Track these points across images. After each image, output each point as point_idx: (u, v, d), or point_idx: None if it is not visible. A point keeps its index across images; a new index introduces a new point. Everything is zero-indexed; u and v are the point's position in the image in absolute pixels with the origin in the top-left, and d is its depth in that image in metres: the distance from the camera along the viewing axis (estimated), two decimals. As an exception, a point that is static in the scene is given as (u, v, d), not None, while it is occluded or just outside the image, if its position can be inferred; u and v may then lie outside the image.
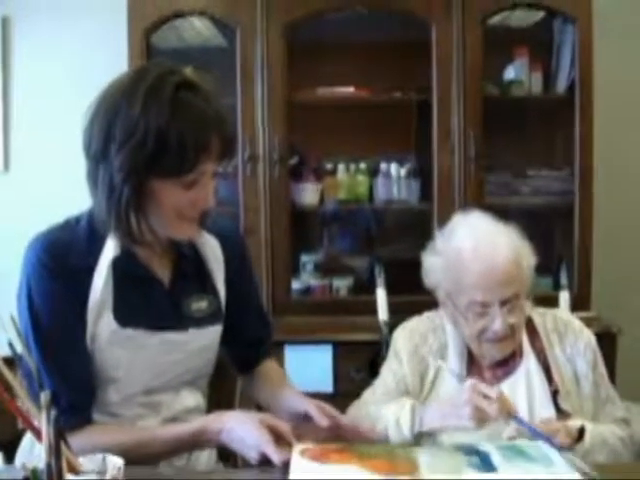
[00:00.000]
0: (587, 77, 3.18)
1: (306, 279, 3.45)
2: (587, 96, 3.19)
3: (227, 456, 1.84)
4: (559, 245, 3.41)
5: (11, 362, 1.35)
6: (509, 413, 1.70)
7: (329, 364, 3.11)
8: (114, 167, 1.53)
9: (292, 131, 3.23)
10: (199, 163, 1.55)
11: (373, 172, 3.40)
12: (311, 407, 1.70)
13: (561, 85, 3.32)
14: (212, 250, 1.81)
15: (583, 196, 3.22)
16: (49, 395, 1.14)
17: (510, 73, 3.35)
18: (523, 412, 1.86)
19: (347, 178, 3.39)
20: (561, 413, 1.87)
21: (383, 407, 1.89)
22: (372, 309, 2.72)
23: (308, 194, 3.37)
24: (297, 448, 1.56)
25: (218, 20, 3.29)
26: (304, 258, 3.50)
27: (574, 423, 1.75)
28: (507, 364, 1.96)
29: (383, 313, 2.67)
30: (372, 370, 2.13)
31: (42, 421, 1.12)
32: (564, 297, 2.76)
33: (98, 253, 1.64)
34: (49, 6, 3.61)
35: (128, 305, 1.66)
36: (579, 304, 3.02)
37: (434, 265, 1.97)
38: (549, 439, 1.62)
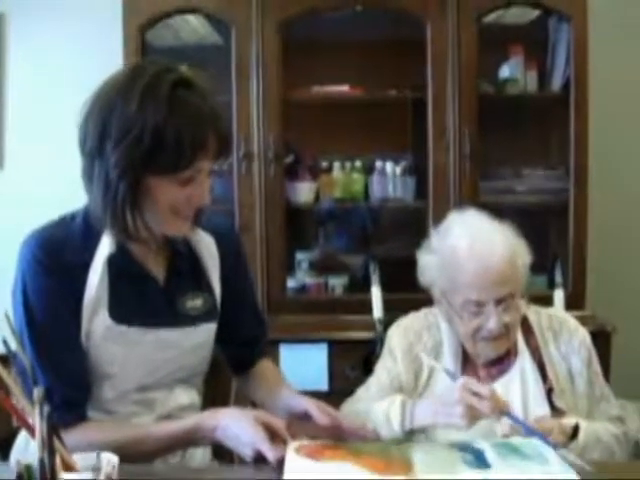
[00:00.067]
0: (582, 75, 3.18)
1: (301, 277, 3.45)
2: (582, 94, 3.19)
3: (222, 453, 1.83)
4: (554, 243, 3.41)
5: (5, 360, 1.35)
6: (501, 411, 1.69)
7: (324, 362, 3.11)
8: (110, 164, 1.53)
9: (287, 129, 3.23)
10: (195, 160, 1.55)
11: (368, 170, 3.40)
12: (311, 406, 1.70)
13: (556, 83, 3.32)
14: (207, 247, 1.81)
15: (578, 194, 3.22)
16: (42, 390, 1.14)
17: (505, 71, 3.35)
18: (517, 410, 1.86)
19: (342, 176, 3.39)
20: (556, 411, 1.87)
21: (374, 403, 1.88)
22: (367, 307, 2.73)
23: (303, 192, 3.37)
24: (292, 445, 1.57)
25: (213, 18, 3.29)
26: (299, 256, 3.50)
27: (568, 421, 1.75)
28: (502, 362, 1.96)
29: (378, 311, 2.68)
30: (367, 368, 2.13)
31: (35, 416, 1.12)
32: (559, 295, 2.77)
33: (93, 250, 1.64)
34: (44, 3, 3.61)
35: (123, 302, 1.66)
36: (574, 302, 3.02)
37: (429, 263, 1.97)
38: (542, 436, 1.62)
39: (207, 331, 1.80)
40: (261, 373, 1.96)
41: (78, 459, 1.23)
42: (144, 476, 1.50)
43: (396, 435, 1.80)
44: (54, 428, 1.17)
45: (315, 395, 1.77)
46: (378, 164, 3.37)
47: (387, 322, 2.18)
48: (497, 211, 2.02)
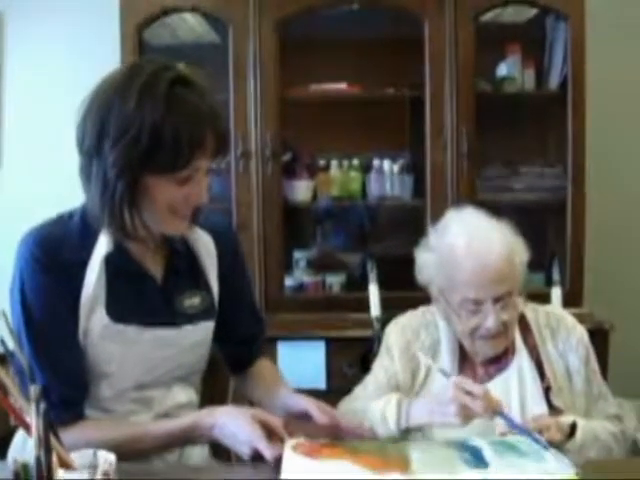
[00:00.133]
0: (579, 74, 3.19)
1: (299, 276, 3.45)
2: (579, 93, 3.19)
3: (220, 452, 1.83)
4: (551, 241, 3.42)
5: (3, 359, 1.34)
6: (494, 410, 1.69)
7: (322, 360, 3.11)
8: (108, 163, 1.53)
9: (285, 127, 3.23)
10: (193, 159, 1.55)
11: (366, 168, 3.40)
12: (310, 405, 1.70)
13: (553, 82, 3.33)
14: (205, 246, 1.81)
15: (575, 192, 3.22)
16: (39, 388, 1.14)
17: (502, 70, 3.35)
18: (515, 408, 1.87)
19: (340, 174, 3.39)
20: (553, 409, 1.87)
21: (371, 402, 1.88)
22: (365, 305, 2.73)
23: (301, 190, 3.37)
24: (289, 443, 1.57)
25: (210, 16, 3.29)
26: (297, 255, 3.50)
27: (566, 419, 1.75)
28: (500, 361, 1.96)
29: (375, 309, 2.68)
30: (364, 366, 2.13)
31: (31, 414, 1.12)
32: (556, 293, 2.77)
33: (91, 248, 1.64)
34: (41, 2, 3.60)
35: (120, 300, 1.66)
36: (571, 300, 3.02)
37: (427, 261, 1.97)
38: (534, 437, 1.61)
39: (205, 329, 1.80)
40: (259, 372, 1.96)
41: (75, 457, 1.23)
42: (142, 474, 1.51)
43: (392, 434, 1.80)
44: (51, 426, 1.17)
45: (313, 393, 1.77)
46: (376, 162, 3.37)
47: (385, 320, 2.18)
48: (495, 209, 2.02)
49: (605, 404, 1.96)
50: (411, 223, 3.31)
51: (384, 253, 3.36)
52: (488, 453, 1.54)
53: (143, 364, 1.70)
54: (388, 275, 2.85)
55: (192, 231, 1.76)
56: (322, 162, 3.42)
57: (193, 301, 1.77)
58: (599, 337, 2.74)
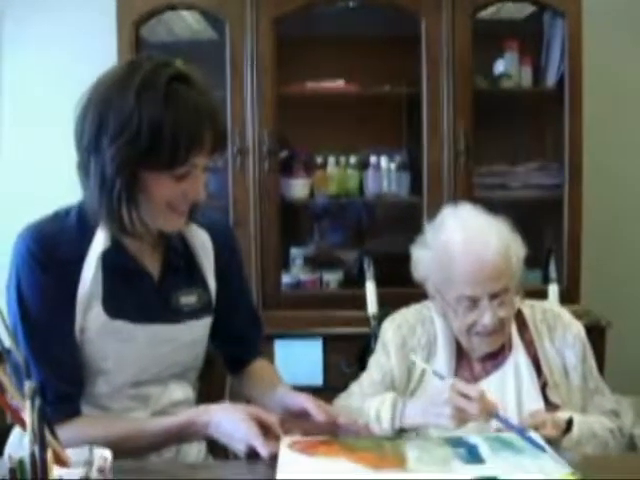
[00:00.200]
0: (576, 71, 3.19)
1: (296, 273, 3.45)
2: (576, 90, 3.20)
3: (217, 449, 1.83)
4: (548, 238, 3.42)
5: (-1, 356, 1.35)
6: (490, 413, 1.68)
7: (319, 358, 3.11)
8: (106, 158, 1.53)
9: (282, 125, 3.23)
10: (192, 156, 1.55)
11: (363, 166, 3.40)
12: (308, 403, 1.69)
13: (551, 79, 3.33)
14: (202, 243, 1.81)
15: (572, 189, 3.23)
16: (34, 384, 1.14)
17: (500, 67, 3.35)
18: (511, 404, 1.87)
19: (337, 172, 3.39)
20: (550, 405, 1.87)
21: (365, 401, 1.88)
22: (362, 302, 2.73)
23: (298, 188, 3.37)
24: (285, 441, 1.57)
25: (207, 13, 3.29)
26: (294, 252, 3.50)
27: (562, 415, 1.75)
28: (496, 357, 1.96)
29: (372, 306, 2.67)
30: (361, 363, 2.13)
31: (26, 409, 1.12)
32: (553, 290, 2.77)
33: (87, 245, 1.64)
34: (38, -1, 3.61)
35: (117, 297, 1.66)
36: (568, 297, 3.03)
37: (423, 258, 1.97)
38: (532, 438, 1.61)
39: (202, 327, 1.80)
40: (256, 372, 1.96)
41: (71, 454, 1.23)
42: (138, 471, 1.50)
43: (386, 433, 1.79)
44: (48, 423, 1.17)
45: (310, 390, 1.76)
46: (373, 160, 3.37)
47: (382, 317, 2.18)
48: (492, 206, 2.02)
49: (602, 399, 1.96)
50: (408, 220, 3.31)
51: (381, 250, 3.37)
52: (484, 450, 1.54)
53: (140, 361, 1.70)
54: (385, 272, 2.84)
55: (189, 228, 1.76)
56: (319, 159, 3.42)
57: (190, 298, 1.77)
58: (596, 333, 2.75)
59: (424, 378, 1.96)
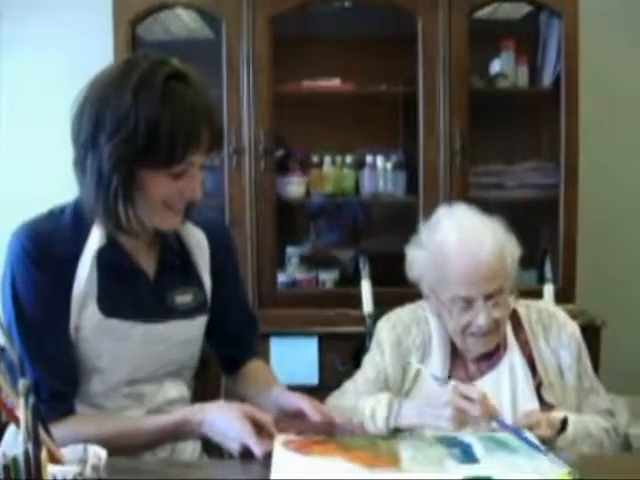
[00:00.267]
0: (573, 71, 3.19)
1: (292, 272, 3.45)
2: (573, 90, 3.19)
3: (212, 447, 1.83)
4: (544, 238, 3.42)
5: (-6, 354, 1.34)
6: (491, 415, 1.69)
7: (315, 356, 3.11)
8: (103, 156, 1.53)
9: (278, 124, 3.23)
10: (189, 154, 1.55)
11: (359, 165, 3.40)
12: (304, 403, 1.69)
13: (547, 79, 3.33)
14: (197, 242, 1.81)
15: (568, 189, 3.23)
16: (28, 382, 1.14)
17: (496, 66, 3.35)
18: (506, 405, 1.87)
19: (333, 171, 3.39)
20: (545, 405, 1.87)
21: (360, 400, 1.88)
22: (358, 301, 2.73)
23: (294, 187, 3.37)
24: (279, 439, 1.57)
25: (204, 12, 3.29)
26: (290, 251, 3.50)
27: (557, 414, 1.75)
28: (491, 357, 1.96)
29: (368, 305, 2.68)
30: (356, 362, 2.13)
31: (20, 407, 1.12)
32: (548, 290, 2.77)
33: (83, 243, 1.64)
34: (35, -2, 3.61)
35: (112, 296, 1.66)
36: (563, 297, 3.03)
37: (418, 258, 1.97)
38: (531, 440, 1.61)
39: (197, 326, 1.80)
40: (251, 372, 1.96)
41: (65, 452, 1.23)
42: (132, 470, 1.50)
43: (381, 432, 1.78)
44: (42, 421, 1.17)
45: (305, 389, 1.77)
46: (369, 159, 3.37)
47: (377, 316, 2.18)
48: (487, 206, 2.02)
49: (597, 399, 1.96)
50: (404, 220, 3.31)
51: (377, 249, 3.37)
52: (478, 450, 1.55)
53: (134, 359, 1.69)
54: (381, 271, 2.85)
55: (185, 227, 1.76)
56: (315, 158, 3.41)
57: (185, 297, 1.77)
58: (591, 333, 2.75)
59: (419, 378, 1.96)
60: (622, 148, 3.65)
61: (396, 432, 1.79)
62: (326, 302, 3.25)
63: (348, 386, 2.02)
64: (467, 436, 1.63)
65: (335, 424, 1.66)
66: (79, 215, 1.65)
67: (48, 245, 1.61)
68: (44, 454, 1.11)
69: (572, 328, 2.01)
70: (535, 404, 1.88)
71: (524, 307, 2.03)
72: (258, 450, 1.52)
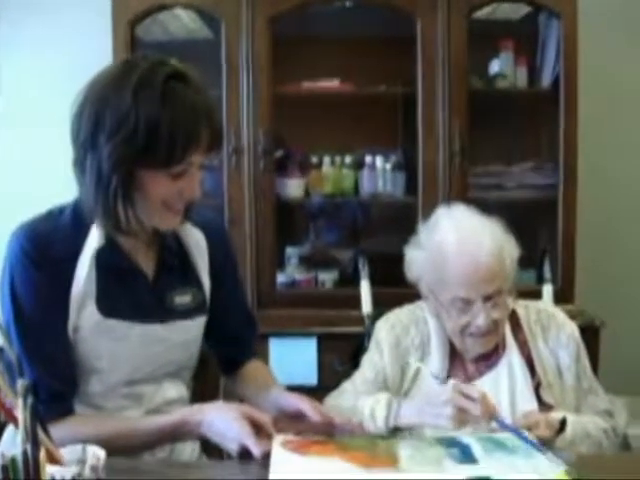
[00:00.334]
0: (572, 72, 3.19)
1: (291, 272, 3.45)
2: (572, 91, 3.20)
3: (211, 448, 1.83)
4: (543, 239, 3.42)
5: (-8, 354, 1.34)
6: (491, 415, 1.69)
7: (314, 357, 3.11)
8: (103, 156, 1.53)
9: (277, 124, 3.23)
10: (188, 154, 1.55)
11: (358, 165, 3.40)
12: (303, 404, 1.69)
13: (546, 79, 3.33)
14: (196, 242, 1.81)
15: (567, 190, 3.23)
16: (27, 382, 1.14)
17: (495, 67, 3.35)
18: (505, 405, 1.86)
19: (332, 171, 3.39)
20: (543, 406, 1.87)
21: (359, 400, 1.88)
22: (357, 302, 2.72)
23: (293, 187, 3.37)
24: (278, 440, 1.57)
25: (203, 12, 3.29)
26: (289, 251, 3.50)
27: (556, 415, 1.75)
28: (490, 357, 1.96)
29: (367, 306, 2.67)
30: (355, 362, 2.13)
31: (19, 407, 1.12)
32: (547, 290, 2.77)
33: (82, 243, 1.64)
34: (33, -1, 3.61)
35: (111, 296, 1.66)
36: (562, 297, 3.03)
37: (417, 259, 1.96)
38: (532, 441, 1.60)
39: (196, 326, 1.80)
40: (250, 373, 1.96)
41: (64, 452, 1.23)
42: (131, 470, 1.50)
43: (380, 432, 1.79)
44: (41, 421, 1.17)
45: (304, 389, 1.77)
46: (368, 159, 3.37)
47: (376, 317, 2.18)
48: (487, 206, 2.02)
49: (595, 399, 1.96)
50: (403, 220, 3.31)
51: (376, 250, 3.37)
52: (477, 450, 1.55)
53: (133, 360, 1.70)
54: (380, 272, 2.85)
55: (183, 227, 1.76)
56: (314, 159, 3.41)
57: (184, 298, 1.77)
58: (590, 333, 2.75)
59: (418, 377, 1.96)
60: (621, 148, 3.65)
61: (395, 431, 1.79)
62: (325, 302, 3.25)
63: (346, 386, 2.02)
64: (466, 437, 1.63)
65: (335, 424, 1.66)
66: (78, 215, 1.65)
67: (47, 245, 1.61)
68: (43, 454, 1.11)
69: (571, 328, 2.01)
70: (534, 404, 1.88)
71: (523, 307, 2.03)
72: (256, 450, 1.52)
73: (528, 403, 1.88)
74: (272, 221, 3.25)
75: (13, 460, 1.09)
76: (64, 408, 1.62)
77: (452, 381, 1.77)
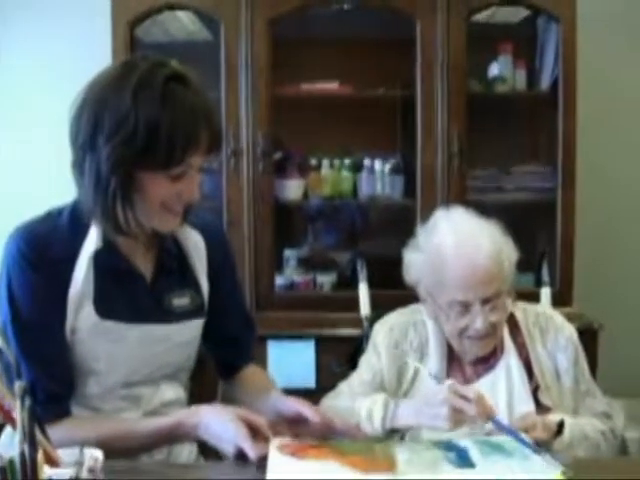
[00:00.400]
0: (570, 75, 3.19)
1: (289, 274, 3.45)
2: (570, 94, 3.20)
3: (208, 450, 1.83)
4: (542, 241, 3.42)
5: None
6: (488, 415, 1.69)
7: (312, 359, 3.11)
8: (102, 157, 1.53)
9: (276, 126, 3.23)
10: (188, 156, 1.55)
11: (357, 168, 3.40)
12: (302, 407, 1.68)
13: (545, 82, 3.34)
14: (195, 244, 1.81)
15: (566, 192, 3.23)
16: (24, 383, 1.14)
17: (494, 70, 3.36)
18: (503, 407, 1.86)
19: (331, 174, 3.39)
20: (541, 408, 1.87)
21: (356, 401, 1.88)
22: (355, 304, 2.72)
23: (292, 189, 3.37)
24: (274, 443, 1.56)
25: (203, 14, 3.29)
26: (287, 253, 3.50)
27: (553, 417, 1.75)
28: (488, 360, 1.96)
29: (365, 308, 2.67)
30: (353, 365, 2.13)
31: (16, 408, 1.12)
32: (546, 293, 2.76)
33: (79, 245, 1.64)
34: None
35: (109, 298, 1.66)
36: (561, 300, 3.02)
37: (415, 261, 1.96)
38: (527, 442, 1.60)
39: (194, 328, 1.80)
40: (248, 378, 1.96)
41: (61, 454, 1.23)
42: (129, 472, 1.50)
43: (377, 434, 1.78)
44: (39, 423, 1.17)
45: (302, 392, 1.77)
46: (367, 162, 3.38)
47: (374, 319, 2.18)
48: (485, 209, 2.01)
49: (593, 401, 1.96)
50: (401, 223, 3.31)
51: (374, 252, 3.36)
52: (474, 453, 1.54)
53: (131, 362, 1.69)
54: (378, 274, 2.84)
55: (182, 229, 1.76)
56: (313, 161, 3.42)
57: (182, 300, 1.77)
58: (588, 336, 2.76)
59: (417, 379, 1.96)
60: (620, 151, 3.65)
61: (392, 432, 1.79)
62: (323, 305, 3.25)
63: (343, 387, 2.02)
64: (463, 440, 1.62)
65: (334, 428, 1.66)
66: (76, 217, 1.65)
67: (44, 247, 1.61)
68: (40, 456, 1.11)
69: (569, 331, 2.01)
70: (531, 407, 1.88)
71: (521, 310, 2.03)
72: (252, 453, 1.52)
73: (526, 405, 1.88)
74: (271, 223, 3.25)
75: (11, 461, 1.09)
76: (61, 410, 1.62)
77: (448, 381, 1.77)
